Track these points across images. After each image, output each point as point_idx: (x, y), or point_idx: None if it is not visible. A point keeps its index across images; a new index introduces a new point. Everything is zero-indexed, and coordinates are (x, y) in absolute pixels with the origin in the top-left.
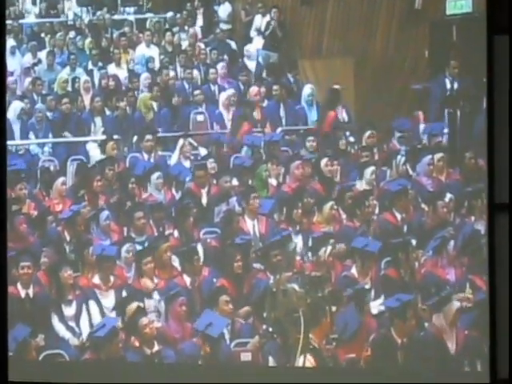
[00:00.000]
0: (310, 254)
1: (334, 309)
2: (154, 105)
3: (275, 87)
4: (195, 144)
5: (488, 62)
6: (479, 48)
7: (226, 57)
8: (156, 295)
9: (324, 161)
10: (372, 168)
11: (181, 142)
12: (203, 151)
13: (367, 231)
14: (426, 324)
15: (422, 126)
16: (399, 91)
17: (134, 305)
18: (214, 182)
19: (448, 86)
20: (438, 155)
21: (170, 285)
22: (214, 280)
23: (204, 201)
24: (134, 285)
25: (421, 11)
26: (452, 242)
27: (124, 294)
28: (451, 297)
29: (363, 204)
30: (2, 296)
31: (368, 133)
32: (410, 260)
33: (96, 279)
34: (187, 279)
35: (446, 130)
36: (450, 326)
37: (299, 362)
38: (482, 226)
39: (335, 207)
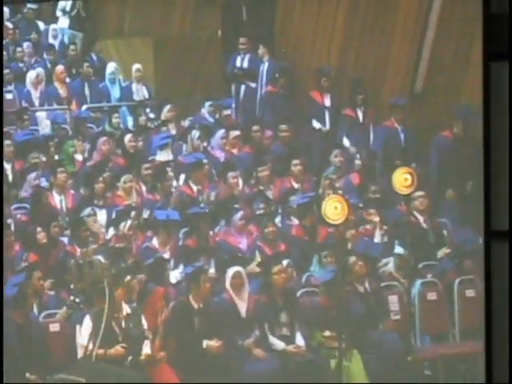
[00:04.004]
0: (113, 226)
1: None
2: None
3: (84, 65)
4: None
5: (484, 89)
6: (267, 25)
7: (33, 36)
8: None
9: (128, 136)
10: (168, 140)
11: None
12: (11, 128)
13: (167, 203)
14: (220, 288)
15: (215, 102)
16: (195, 69)
17: None
18: (22, 158)
19: (238, 63)
20: (229, 129)
21: None
22: (25, 255)
23: (11, 177)
24: None
25: None
26: (241, 212)
27: None
28: (242, 263)
29: (162, 177)
30: None
31: (167, 108)
32: (206, 229)
33: None
34: None
35: (233, 105)
36: (239, 290)
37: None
38: (271, 195)
39: (136, 181)
